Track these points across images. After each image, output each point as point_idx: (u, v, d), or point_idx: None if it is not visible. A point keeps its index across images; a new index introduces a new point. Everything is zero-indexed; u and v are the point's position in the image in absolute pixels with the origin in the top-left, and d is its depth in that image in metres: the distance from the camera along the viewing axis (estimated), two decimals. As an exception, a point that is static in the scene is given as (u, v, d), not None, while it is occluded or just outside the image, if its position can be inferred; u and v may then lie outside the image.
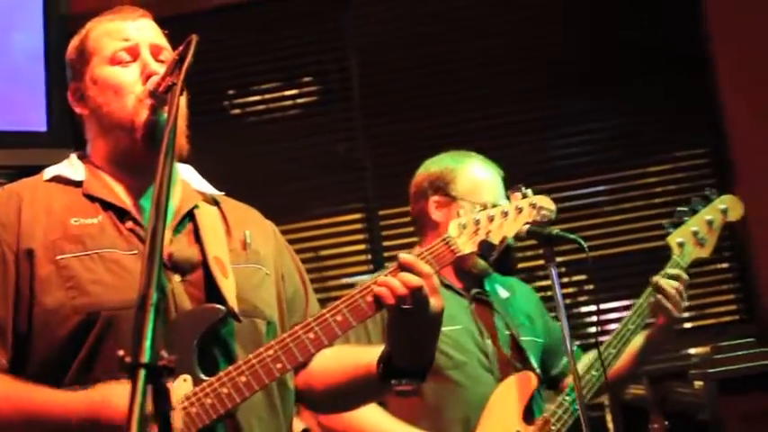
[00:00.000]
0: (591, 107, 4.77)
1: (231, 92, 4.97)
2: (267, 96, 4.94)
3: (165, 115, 1.68)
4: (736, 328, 4.36)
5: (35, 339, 1.72)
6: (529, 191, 2.06)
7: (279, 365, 1.72)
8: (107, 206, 1.83)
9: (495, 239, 1.94)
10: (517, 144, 4.73)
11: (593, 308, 4.49)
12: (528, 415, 2.72)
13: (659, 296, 2.79)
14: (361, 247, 4.78)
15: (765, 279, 4.45)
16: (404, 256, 1.77)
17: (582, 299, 4.57)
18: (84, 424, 1.62)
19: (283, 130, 4.87)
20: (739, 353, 3.39)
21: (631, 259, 4.60)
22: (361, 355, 1.90)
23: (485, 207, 1.96)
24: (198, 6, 4.80)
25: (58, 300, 1.71)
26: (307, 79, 4.96)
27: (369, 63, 4.86)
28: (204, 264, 1.81)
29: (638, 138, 4.74)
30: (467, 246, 1.90)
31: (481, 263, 2.81)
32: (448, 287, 2.77)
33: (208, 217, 1.90)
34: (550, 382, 2.95)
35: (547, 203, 2.08)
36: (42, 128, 3.73)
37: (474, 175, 2.87)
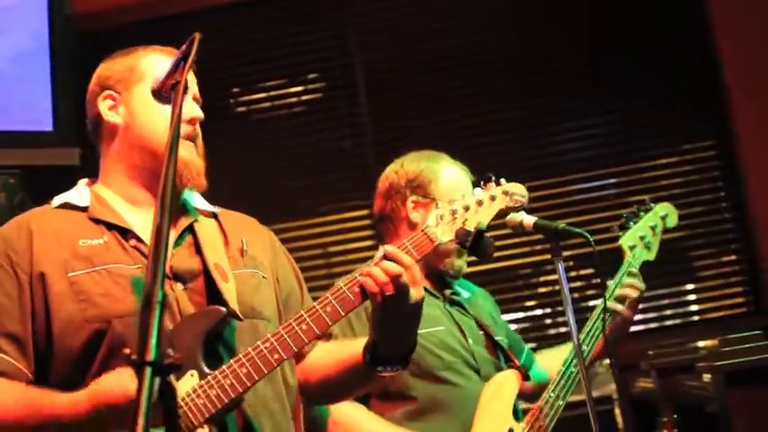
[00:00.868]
0: (597, 101, 4.77)
1: (236, 90, 4.98)
2: (272, 94, 4.95)
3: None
4: (744, 321, 4.36)
5: (54, 353, 1.86)
6: (502, 179, 2.16)
7: (276, 356, 1.84)
8: (111, 227, 1.97)
9: (471, 226, 2.04)
10: (523, 138, 4.74)
11: (599, 302, 4.48)
12: (515, 411, 2.73)
13: (616, 307, 2.89)
14: (368, 243, 4.78)
15: (773, 272, 4.45)
16: (387, 247, 1.92)
17: (589, 293, 4.57)
18: (89, 414, 1.74)
19: (288, 128, 4.88)
20: (747, 345, 3.38)
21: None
22: (351, 347, 2.04)
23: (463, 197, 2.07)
24: (202, 4, 4.81)
25: (71, 313, 1.85)
26: (311, 76, 4.97)
27: (373, 59, 4.87)
28: (205, 272, 1.94)
29: (645, 131, 4.74)
30: (445, 235, 2.02)
31: (457, 263, 2.83)
32: (426, 290, 2.78)
33: (207, 229, 2.04)
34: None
35: (519, 189, 2.17)
36: (48, 127, 3.74)
37: (451, 176, 2.88)
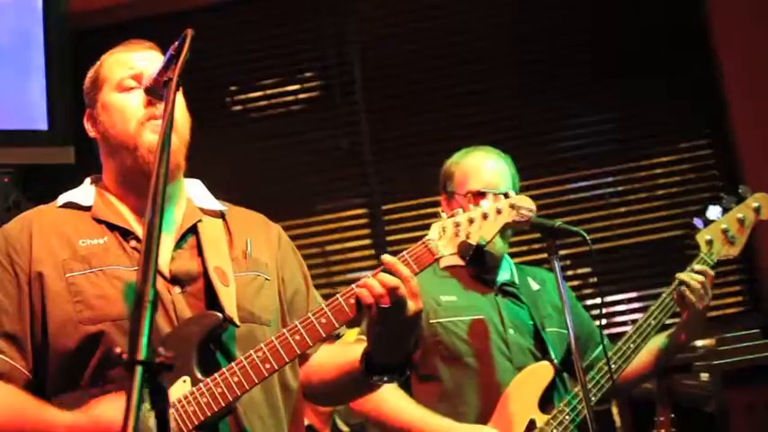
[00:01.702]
0: (595, 100, 4.77)
1: (233, 88, 4.97)
2: (269, 92, 4.94)
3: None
4: (742, 321, 4.35)
5: (50, 352, 1.87)
6: (511, 191, 2.12)
7: (267, 366, 1.84)
8: (113, 227, 1.98)
9: (474, 240, 2.01)
10: (521, 137, 4.72)
11: (597, 300, 4.48)
12: (545, 403, 2.75)
13: (683, 288, 2.78)
14: (366, 242, 4.78)
15: (770, 271, 4.45)
16: (385, 257, 1.89)
17: (586, 291, 4.57)
18: None
19: (285, 126, 4.87)
20: (744, 344, 3.38)
21: (635, 252, 4.60)
22: (350, 353, 2.02)
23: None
24: (199, 2, 4.80)
25: (67, 313, 1.86)
26: (309, 74, 4.96)
27: (371, 58, 4.86)
28: (205, 275, 1.93)
29: (643, 130, 4.74)
30: (446, 248, 1.99)
31: (498, 244, 2.83)
32: (476, 278, 2.89)
33: (211, 230, 2.04)
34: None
35: (526, 203, 2.14)
36: (43, 126, 3.73)
37: (465, 167, 2.90)
